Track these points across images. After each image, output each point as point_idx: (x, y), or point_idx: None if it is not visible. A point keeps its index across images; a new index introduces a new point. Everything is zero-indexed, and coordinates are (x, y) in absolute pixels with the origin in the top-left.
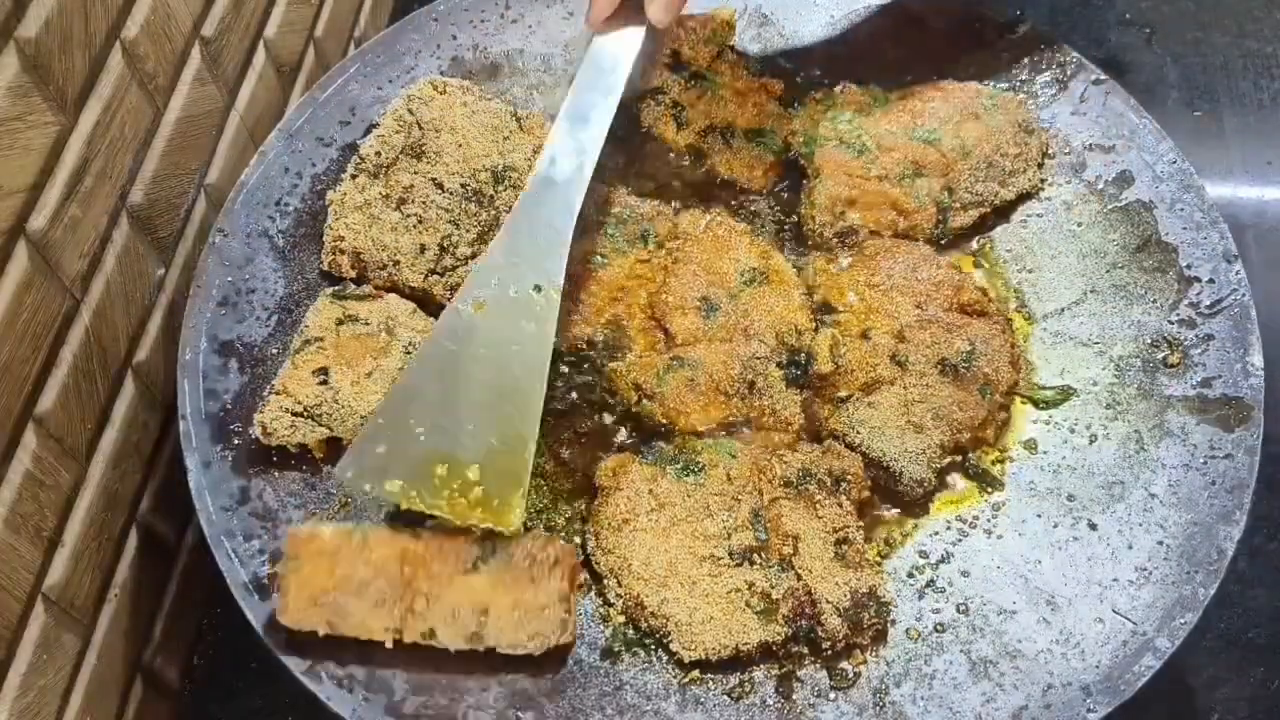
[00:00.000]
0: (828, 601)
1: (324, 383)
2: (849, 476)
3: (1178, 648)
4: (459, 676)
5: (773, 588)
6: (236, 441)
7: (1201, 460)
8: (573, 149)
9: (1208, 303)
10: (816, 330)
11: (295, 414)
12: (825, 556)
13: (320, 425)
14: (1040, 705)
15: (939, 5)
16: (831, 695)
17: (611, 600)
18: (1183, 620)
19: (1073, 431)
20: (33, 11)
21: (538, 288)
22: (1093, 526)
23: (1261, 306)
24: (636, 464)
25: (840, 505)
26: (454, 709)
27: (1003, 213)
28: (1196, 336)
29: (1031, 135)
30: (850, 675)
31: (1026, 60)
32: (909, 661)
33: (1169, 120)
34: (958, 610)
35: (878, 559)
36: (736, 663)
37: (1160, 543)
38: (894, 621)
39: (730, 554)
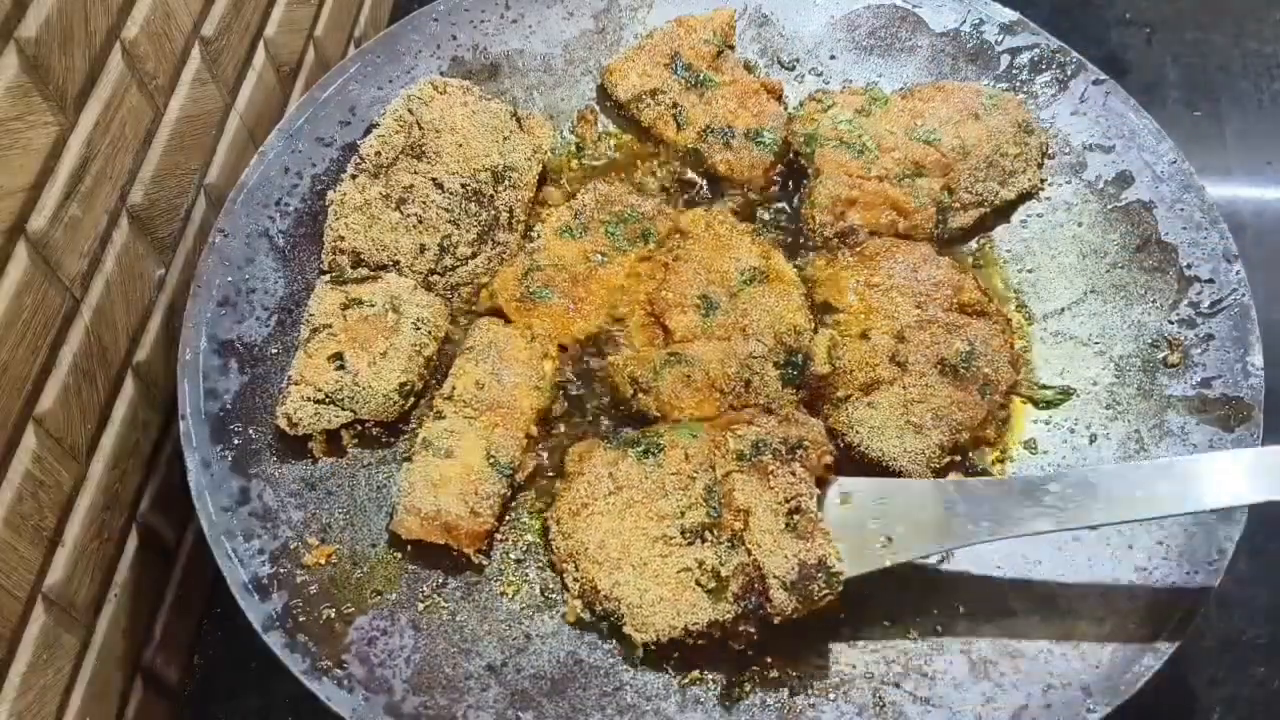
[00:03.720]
0: (775, 576)
1: (341, 367)
2: (807, 442)
3: (1178, 648)
4: (459, 678)
5: (722, 565)
6: (236, 441)
7: None
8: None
9: (1208, 303)
10: (816, 331)
11: (317, 402)
12: (775, 529)
13: (344, 410)
14: (1040, 705)
15: (939, 5)
16: (831, 696)
17: (569, 585)
18: (1183, 620)
19: (1073, 431)
20: (33, 11)
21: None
22: (1093, 526)
23: (1261, 306)
24: (600, 449)
25: (794, 473)
26: (454, 709)
27: (1003, 213)
28: (1196, 336)
29: (1031, 135)
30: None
31: (1026, 60)
32: (909, 661)
33: (1169, 120)
34: (958, 610)
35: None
36: (736, 663)
37: (1160, 543)
38: (892, 621)
39: (682, 533)
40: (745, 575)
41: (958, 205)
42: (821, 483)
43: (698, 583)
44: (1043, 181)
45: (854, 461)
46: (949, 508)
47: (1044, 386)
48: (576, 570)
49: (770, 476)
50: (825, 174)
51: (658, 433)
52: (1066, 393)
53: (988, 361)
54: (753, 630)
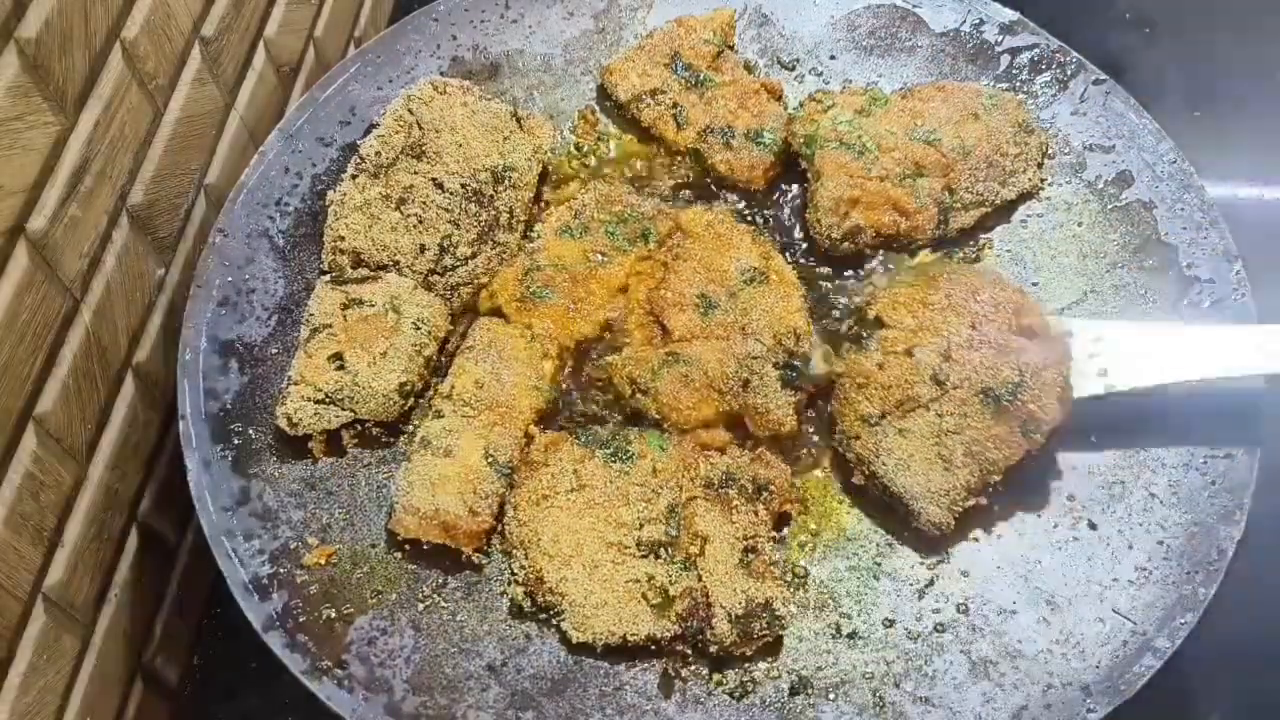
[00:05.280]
0: (722, 606)
1: (340, 367)
2: (772, 487)
3: (1178, 648)
4: (459, 678)
5: (671, 584)
6: (236, 441)
7: (1201, 460)
8: None
9: (1208, 303)
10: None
11: (317, 402)
12: (730, 562)
13: (344, 410)
14: (1040, 705)
15: (939, 5)
16: (831, 696)
17: (515, 571)
18: (1183, 620)
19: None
20: (33, 11)
21: (1103, 371)
22: (1093, 526)
23: (1261, 306)
24: (569, 444)
25: (756, 514)
26: (454, 709)
27: (1003, 213)
28: None
29: (1031, 135)
30: (739, 681)
31: (1026, 60)
32: (909, 661)
33: (1169, 120)
34: (958, 610)
35: (782, 573)
36: (738, 662)
37: (1160, 543)
38: (893, 622)
39: (638, 544)
40: (692, 599)
41: (959, 205)
42: (780, 524)
43: (644, 596)
44: (1043, 181)
45: (874, 489)
46: (1164, 349)
47: None
48: (525, 558)
49: (733, 511)
50: (826, 175)
51: (627, 437)
52: None
53: (1034, 397)
54: (687, 651)
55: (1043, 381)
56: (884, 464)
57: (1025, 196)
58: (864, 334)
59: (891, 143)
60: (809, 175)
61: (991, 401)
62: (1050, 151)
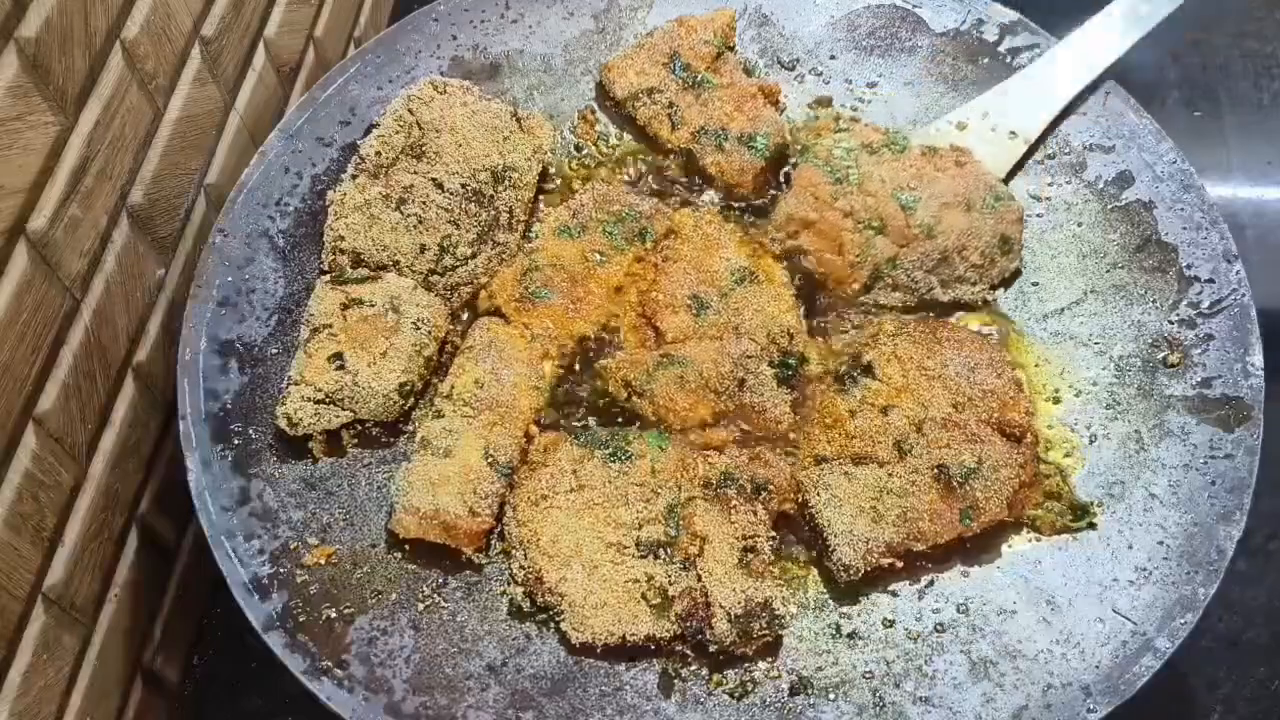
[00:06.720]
0: (721, 606)
1: (341, 367)
2: (771, 486)
3: (1178, 648)
4: (459, 678)
5: (671, 584)
6: (236, 441)
7: (1201, 460)
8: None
9: (1208, 303)
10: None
11: (317, 402)
12: (729, 562)
13: (344, 410)
14: (1040, 705)
15: (939, 5)
16: (831, 696)
17: (515, 571)
18: (1183, 620)
19: (1073, 431)
20: (33, 11)
21: (1012, 134)
22: (1092, 526)
23: (1261, 306)
24: (567, 444)
25: (755, 513)
26: (454, 709)
27: None
28: (1196, 336)
29: (1006, 255)
30: (738, 681)
31: (1026, 60)
32: (909, 661)
33: (1169, 120)
34: (958, 610)
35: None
36: (738, 662)
37: (1160, 543)
38: (893, 622)
39: (637, 545)
40: (691, 599)
41: (888, 282)
42: (778, 525)
43: (643, 596)
44: (991, 294)
45: (799, 517)
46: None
47: (1069, 508)
48: (525, 559)
49: (732, 511)
50: (795, 189)
51: (626, 438)
52: (1087, 513)
53: (985, 488)
54: (687, 651)
55: (998, 478)
56: (818, 495)
57: (959, 306)
58: (853, 374)
59: (873, 188)
60: (787, 184)
61: (943, 478)
62: (1051, 151)
